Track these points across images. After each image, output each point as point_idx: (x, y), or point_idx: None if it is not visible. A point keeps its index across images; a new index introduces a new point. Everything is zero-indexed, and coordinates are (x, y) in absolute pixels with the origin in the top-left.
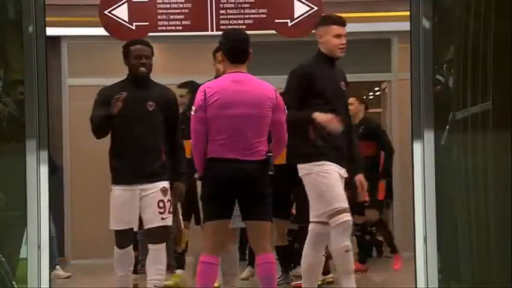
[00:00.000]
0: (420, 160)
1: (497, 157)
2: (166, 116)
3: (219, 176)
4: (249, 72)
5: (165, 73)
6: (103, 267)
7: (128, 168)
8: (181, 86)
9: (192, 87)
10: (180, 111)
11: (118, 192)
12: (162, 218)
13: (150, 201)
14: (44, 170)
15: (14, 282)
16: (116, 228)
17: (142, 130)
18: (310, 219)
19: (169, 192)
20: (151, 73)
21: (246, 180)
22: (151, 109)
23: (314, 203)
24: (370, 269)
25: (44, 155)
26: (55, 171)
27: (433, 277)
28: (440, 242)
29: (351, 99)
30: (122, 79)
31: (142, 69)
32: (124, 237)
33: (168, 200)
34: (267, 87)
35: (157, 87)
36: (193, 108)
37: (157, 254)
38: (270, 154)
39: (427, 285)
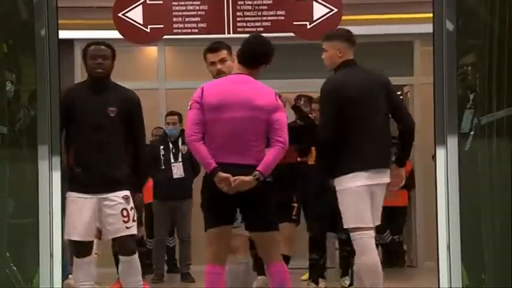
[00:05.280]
0: (443, 166)
1: None
2: (129, 120)
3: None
4: (270, 75)
5: (180, 77)
6: (112, 277)
7: (89, 176)
8: None
9: None
10: None
11: (76, 200)
12: (127, 227)
13: (113, 211)
14: (57, 176)
15: None
16: (76, 239)
17: (103, 137)
18: None
19: (131, 199)
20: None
21: None
22: (112, 115)
23: None
24: (394, 280)
25: (57, 161)
26: None
27: (457, 286)
28: (464, 251)
29: None
30: (83, 80)
31: (98, 70)
32: (83, 247)
33: (132, 208)
34: (267, 90)
35: (119, 90)
36: (191, 102)
37: (130, 265)
38: None
39: None
